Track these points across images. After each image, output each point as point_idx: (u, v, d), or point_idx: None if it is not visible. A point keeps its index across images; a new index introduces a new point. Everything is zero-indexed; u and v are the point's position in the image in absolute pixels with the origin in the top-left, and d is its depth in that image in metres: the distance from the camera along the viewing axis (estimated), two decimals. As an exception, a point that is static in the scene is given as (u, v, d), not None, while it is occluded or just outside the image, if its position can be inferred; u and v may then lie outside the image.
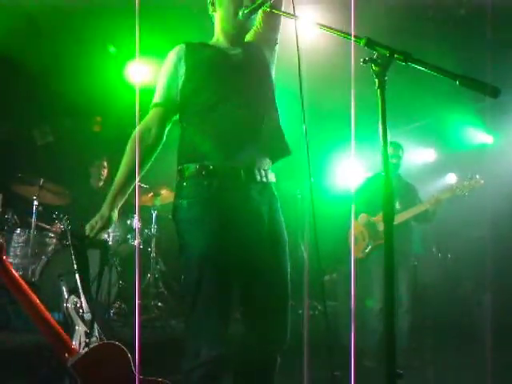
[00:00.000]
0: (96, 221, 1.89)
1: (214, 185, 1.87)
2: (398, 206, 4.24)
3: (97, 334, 2.87)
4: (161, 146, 2.01)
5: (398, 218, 4.14)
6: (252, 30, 2.16)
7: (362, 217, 4.39)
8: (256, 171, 1.92)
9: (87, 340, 2.68)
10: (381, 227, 4.16)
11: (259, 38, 2.17)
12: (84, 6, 4.92)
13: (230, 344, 1.86)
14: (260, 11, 2.01)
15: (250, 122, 1.94)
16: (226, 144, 1.89)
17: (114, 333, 4.03)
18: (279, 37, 2.23)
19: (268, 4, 1.86)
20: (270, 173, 1.99)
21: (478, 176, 4.14)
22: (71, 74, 5.87)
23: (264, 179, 1.95)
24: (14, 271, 1.96)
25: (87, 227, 1.89)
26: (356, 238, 4.45)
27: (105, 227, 1.90)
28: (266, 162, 1.98)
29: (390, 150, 4.31)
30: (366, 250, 4.34)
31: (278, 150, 2.01)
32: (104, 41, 5.55)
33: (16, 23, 4.96)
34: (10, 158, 5.68)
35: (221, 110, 1.92)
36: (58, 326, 2.04)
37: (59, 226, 4.62)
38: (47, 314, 1.94)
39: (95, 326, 2.91)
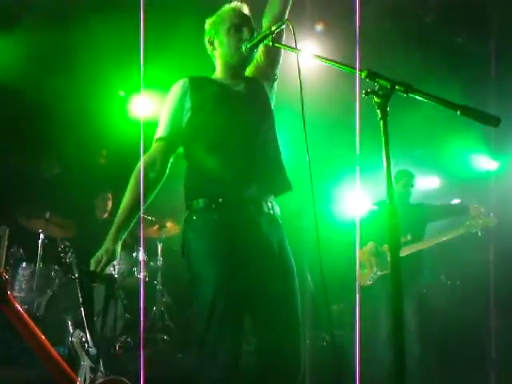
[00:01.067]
0: (101, 255, 1.87)
1: (224, 217, 1.89)
2: (408, 237, 4.18)
3: (101, 369, 2.83)
4: (164, 180, 2.02)
5: (410, 249, 4.12)
6: (253, 66, 2.19)
7: (370, 245, 4.36)
8: (263, 203, 1.95)
9: (92, 375, 2.65)
10: (389, 257, 4.11)
11: (260, 73, 2.20)
12: (88, 43, 5.03)
13: (242, 375, 1.84)
14: (261, 46, 2.05)
15: (255, 157, 1.96)
16: (234, 179, 1.92)
17: (119, 367, 3.98)
18: (279, 72, 2.27)
19: (270, 37, 1.89)
20: (275, 205, 2.02)
21: (491, 214, 4.11)
22: (78, 109, 5.98)
23: (271, 211, 1.98)
24: (18, 306, 1.94)
25: (92, 262, 1.88)
26: (363, 266, 4.43)
27: (110, 261, 1.89)
28: (271, 196, 2.00)
29: (404, 179, 4.36)
30: (373, 279, 4.31)
31: (280, 184, 2.04)
32: (108, 76, 5.63)
33: (27, 61, 5.07)
34: (17, 190, 5.73)
35: (228, 145, 1.95)
36: (63, 362, 2.02)
37: (65, 258, 4.61)
38: (52, 350, 1.91)
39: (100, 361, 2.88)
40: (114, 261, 1.92)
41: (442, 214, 4.49)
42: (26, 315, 1.89)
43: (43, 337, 1.93)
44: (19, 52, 4.99)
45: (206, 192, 1.93)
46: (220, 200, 1.89)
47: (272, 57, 2.21)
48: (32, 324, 1.83)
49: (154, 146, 2.02)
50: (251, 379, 1.94)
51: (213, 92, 2.04)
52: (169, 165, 2.03)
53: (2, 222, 3.74)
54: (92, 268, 1.86)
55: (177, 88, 2.05)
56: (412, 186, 4.43)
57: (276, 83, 2.26)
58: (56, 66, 5.28)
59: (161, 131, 2.02)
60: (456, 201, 6.98)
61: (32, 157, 6.30)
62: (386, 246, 4.20)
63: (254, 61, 2.18)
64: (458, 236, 4.19)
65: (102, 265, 1.86)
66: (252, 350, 2.00)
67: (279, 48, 2.20)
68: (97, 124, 6.34)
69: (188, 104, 2.00)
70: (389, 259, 4.27)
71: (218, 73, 2.16)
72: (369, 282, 4.34)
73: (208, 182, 1.93)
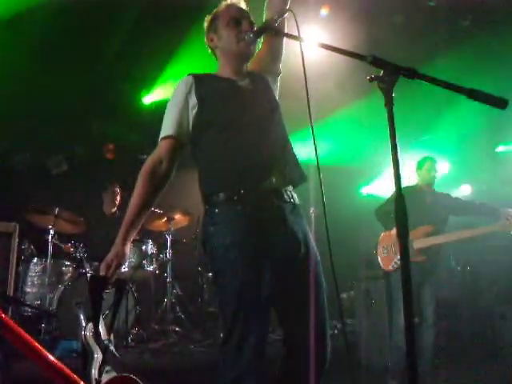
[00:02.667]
0: (111, 258, 1.83)
1: (247, 208, 1.85)
2: (431, 228, 4.13)
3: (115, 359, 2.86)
4: (172, 177, 2.00)
5: (437, 240, 4.10)
6: (256, 62, 2.17)
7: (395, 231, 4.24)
8: (284, 192, 1.92)
9: (105, 368, 2.67)
10: (416, 245, 4.07)
11: (263, 69, 2.18)
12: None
13: (267, 373, 1.81)
14: (263, 39, 2.03)
15: (271, 148, 1.94)
16: (253, 170, 1.89)
17: (132, 359, 4.02)
18: (281, 67, 2.25)
19: (272, 27, 1.87)
20: (295, 194, 1.99)
21: None
22: (86, 104, 6.00)
23: (292, 200, 1.95)
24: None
25: (102, 267, 1.83)
26: (386, 250, 4.39)
27: (121, 264, 1.85)
28: (290, 186, 1.98)
29: (426, 164, 4.32)
30: (396, 264, 4.27)
31: (297, 175, 2.01)
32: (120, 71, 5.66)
33: (33, 57, 5.09)
34: (25, 187, 5.77)
35: (242, 138, 1.92)
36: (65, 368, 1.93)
37: (75, 253, 4.64)
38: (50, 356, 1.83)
39: (113, 351, 2.91)
40: (124, 263, 1.89)
41: (469, 210, 4.36)
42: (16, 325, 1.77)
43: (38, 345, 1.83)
44: (25, 48, 5.00)
45: (226, 184, 1.89)
46: (242, 191, 1.85)
47: (275, 51, 2.19)
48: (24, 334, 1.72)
49: (161, 144, 1.99)
50: (278, 372, 1.92)
51: (218, 87, 2.02)
52: (176, 163, 2.01)
53: (12, 218, 3.79)
54: (103, 273, 1.81)
55: (181, 85, 2.02)
56: (436, 171, 4.36)
57: (279, 78, 2.25)
58: (64, 61, 5.29)
59: (168, 129, 1.99)
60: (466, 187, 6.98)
61: (40, 154, 6.34)
62: (413, 232, 4.09)
63: (257, 57, 2.17)
64: (489, 233, 4.12)
65: (112, 269, 1.82)
66: (279, 338, 1.97)
67: (281, 41, 2.19)
68: (104, 119, 6.39)
69: (193, 101, 1.98)
70: (415, 247, 4.21)
71: (221, 70, 2.14)
72: (391, 268, 4.31)
73: (227, 174, 1.90)
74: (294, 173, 2.00)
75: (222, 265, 1.85)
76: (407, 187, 4.33)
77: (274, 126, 2.02)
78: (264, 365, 1.79)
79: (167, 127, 2.00)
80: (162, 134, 2.00)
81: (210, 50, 2.19)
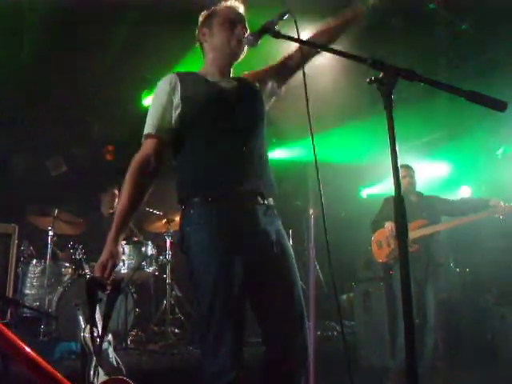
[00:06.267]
0: (106, 259, 1.82)
1: (221, 210, 1.89)
2: (425, 222, 4.29)
3: (114, 363, 2.86)
4: (159, 175, 2.00)
5: (429, 230, 4.24)
6: (262, 72, 2.20)
7: (391, 226, 4.34)
8: (258, 195, 1.96)
9: (103, 370, 2.67)
10: (412, 235, 4.18)
11: (264, 81, 2.19)
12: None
13: (245, 366, 1.83)
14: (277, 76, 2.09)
15: (248, 158, 1.97)
16: (230, 174, 1.93)
17: (130, 361, 4.01)
18: (282, 91, 2.27)
19: (272, 30, 1.87)
20: (269, 198, 2.02)
21: None
22: (86, 105, 6.00)
23: (266, 201, 1.99)
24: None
25: (97, 268, 1.81)
26: (381, 244, 4.48)
27: (116, 264, 1.84)
28: (265, 192, 2.00)
29: (402, 170, 4.37)
30: (390, 256, 4.34)
31: (270, 186, 2.03)
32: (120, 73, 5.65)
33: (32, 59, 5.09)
34: (25, 189, 5.77)
35: (220, 145, 1.95)
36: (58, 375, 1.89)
37: (74, 255, 4.64)
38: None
39: (113, 355, 2.90)
40: (119, 263, 1.89)
41: (460, 209, 4.44)
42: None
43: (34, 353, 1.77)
44: (25, 48, 5.00)
45: (202, 186, 1.93)
46: (216, 193, 1.90)
47: (282, 74, 2.22)
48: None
49: (146, 143, 1.99)
50: (259, 368, 1.94)
51: (202, 87, 2.03)
52: (163, 161, 2.01)
53: (11, 220, 3.79)
54: (98, 274, 1.79)
55: (165, 84, 2.02)
56: (412, 177, 4.53)
57: (274, 98, 2.26)
58: (63, 62, 5.29)
59: (151, 128, 1.98)
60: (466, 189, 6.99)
61: (39, 155, 6.34)
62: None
63: (267, 69, 2.21)
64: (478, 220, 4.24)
65: (108, 270, 1.81)
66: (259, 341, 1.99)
67: (292, 70, 2.20)
68: (104, 121, 6.39)
69: (176, 100, 1.98)
70: (410, 237, 4.25)
71: (206, 68, 2.14)
72: (384, 260, 4.39)
73: (203, 176, 1.94)
74: (268, 184, 2.02)
75: (196, 264, 1.89)
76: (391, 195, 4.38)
77: (255, 135, 2.04)
78: (243, 363, 1.82)
79: (150, 125, 1.99)
80: (146, 130, 1.99)
81: (198, 44, 2.19)
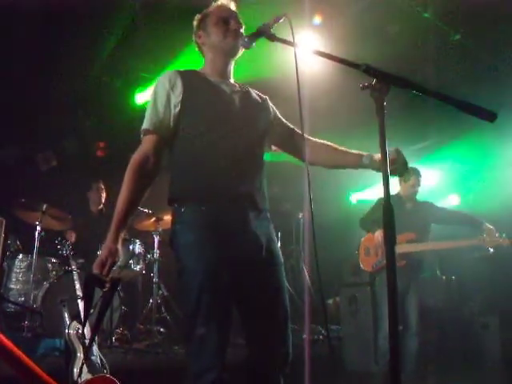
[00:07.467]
0: (105, 257, 1.80)
1: (213, 209, 1.89)
2: (413, 235, 4.22)
3: (98, 361, 2.84)
4: (159, 173, 2.00)
5: (416, 248, 4.18)
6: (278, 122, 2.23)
7: (380, 233, 4.25)
8: (249, 198, 1.97)
9: (88, 368, 2.66)
10: (399, 249, 4.11)
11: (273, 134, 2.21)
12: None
13: (230, 367, 1.83)
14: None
15: (244, 158, 1.98)
16: (224, 176, 1.93)
17: (115, 359, 3.99)
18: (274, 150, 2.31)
19: (267, 33, 1.88)
20: (263, 201, 2.03)
21: (504, 235, 4.06)
22: (77, 99, 5.97)
23: (259, 205, 1.99)
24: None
25: (96, 265, 1.79)
26: (368, 251, 4.44)
27: (115, 262, 1.83)
28: (258, 197, 2.01)
29: (414, 180, 4.35)
30: (376, 266, 4.33)
31: (263, 190, 2.04)
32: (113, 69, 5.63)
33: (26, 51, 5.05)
34: (14, 183, 5.72)
35: (216, 144, 1.95)
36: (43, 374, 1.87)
37: (61, 250, 4.61)
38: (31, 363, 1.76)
39: (97, 353, 2.89)
40: (118, 261, 1.86)
41: (451, 219, 4.45)
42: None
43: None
44: (17, 44, 4.96)
45: (196, 186, 1.94)
46: (209, 194, 1.91)
47: (281, 139, 2.25)
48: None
49: (146, 140, 1.99)
50: (241, 372, 1.94)
51: (203, 85, 2.03)
52: (162, 159, 2.01)
53: (-2, 213, 3.76)
54: (96, 271, 1.78)
55: (164, 80, 2.01)
56: (420, 185, 4.45)
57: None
58: (57, 57, 5.26)
59: (150, 124, 1.98)
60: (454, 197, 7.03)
61: (29, 149, 6.29)
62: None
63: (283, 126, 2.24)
64: (468, 246, 4.22)
65: (107, 268, 1.79)
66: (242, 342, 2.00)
67: (291, 150, 2.25)
68: (95, 116, 6.35)
69: (176, 98, 1.98)
70: (397, 252, 4.33)
71: (206, 68, 2.15)
72: (370, 269, 4.38)
73: (197, 176, 1.94)
74: (262, 188, 2.03)
75: (184, 262, 1.89)
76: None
77: (253, 139, 2.04)
78: (226, 364, 1.82)
79: (149, 122, 1.99)
80: (145, 125, 1.99)
81: (197, 47, 2.21)
